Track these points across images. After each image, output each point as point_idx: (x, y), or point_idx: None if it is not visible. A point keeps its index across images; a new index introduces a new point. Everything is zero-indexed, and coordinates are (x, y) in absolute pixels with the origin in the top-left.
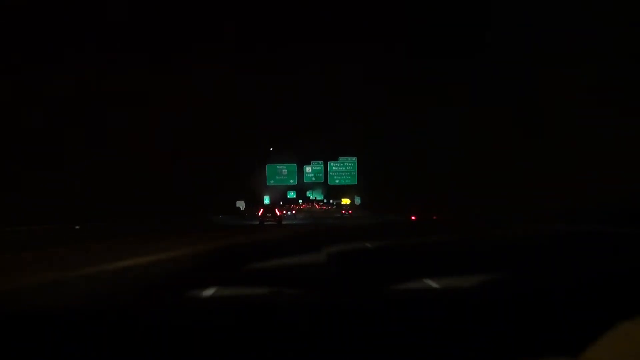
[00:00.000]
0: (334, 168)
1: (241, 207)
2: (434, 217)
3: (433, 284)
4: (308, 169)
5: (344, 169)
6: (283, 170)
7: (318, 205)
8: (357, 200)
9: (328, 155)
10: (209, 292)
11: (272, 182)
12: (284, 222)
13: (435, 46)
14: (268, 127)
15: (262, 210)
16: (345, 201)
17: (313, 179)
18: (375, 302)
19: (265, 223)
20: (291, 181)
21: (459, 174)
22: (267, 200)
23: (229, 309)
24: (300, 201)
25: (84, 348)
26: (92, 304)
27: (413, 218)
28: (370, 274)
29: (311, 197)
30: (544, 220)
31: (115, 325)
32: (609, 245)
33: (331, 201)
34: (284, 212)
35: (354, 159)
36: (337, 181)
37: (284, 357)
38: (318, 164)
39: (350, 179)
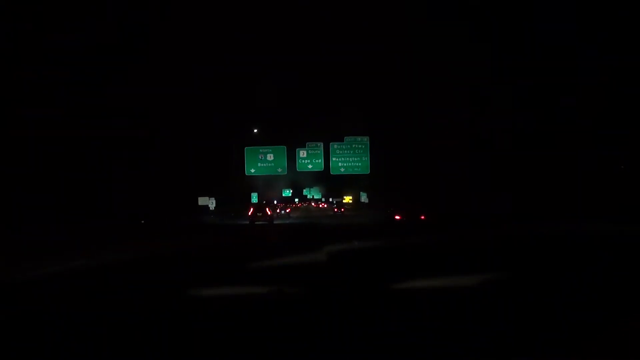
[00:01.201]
0: (337, 152)
1: (210, 206)
2: (422, 217)
3: (432, 284)
4: (302, 152)
5: (351, 154)
6: (268, 154)
7: (315, 203)
8: (363, 197)
9: (330, 136)
10: (209, 291)
11: (252, 170)
12: (275, 222)
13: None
14: (250, 101)
15: (252, 209)
16: (348, 199)
17: (309, 166)
18: (376, 302)
19: (256, 223)
20: (279, 170)
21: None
22: (254, 198)
23: (229, 309)
24: (296, 200)
25: (84, 348)
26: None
27: (397, 217)
28: (369, 273)
29: (309, 196)
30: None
31: (116, 325)
32: (610, 245)
33: (330, 199)
34: (277, 210)
35: (366, 139)
36: (342, 170)
37: (284, 357)
38: (316, 146)
39: (361, 168)
